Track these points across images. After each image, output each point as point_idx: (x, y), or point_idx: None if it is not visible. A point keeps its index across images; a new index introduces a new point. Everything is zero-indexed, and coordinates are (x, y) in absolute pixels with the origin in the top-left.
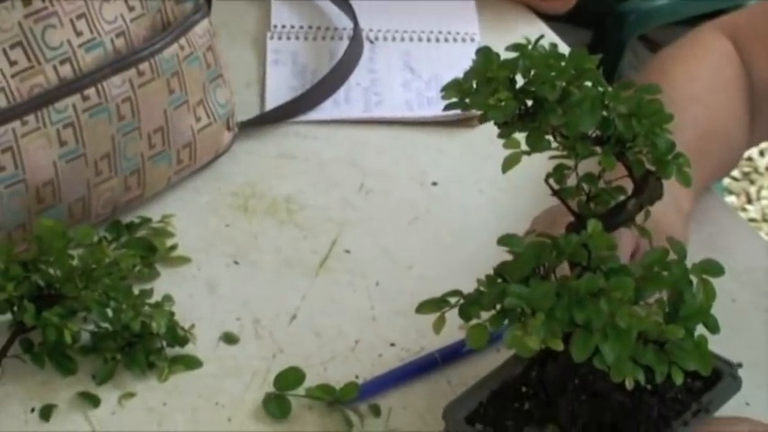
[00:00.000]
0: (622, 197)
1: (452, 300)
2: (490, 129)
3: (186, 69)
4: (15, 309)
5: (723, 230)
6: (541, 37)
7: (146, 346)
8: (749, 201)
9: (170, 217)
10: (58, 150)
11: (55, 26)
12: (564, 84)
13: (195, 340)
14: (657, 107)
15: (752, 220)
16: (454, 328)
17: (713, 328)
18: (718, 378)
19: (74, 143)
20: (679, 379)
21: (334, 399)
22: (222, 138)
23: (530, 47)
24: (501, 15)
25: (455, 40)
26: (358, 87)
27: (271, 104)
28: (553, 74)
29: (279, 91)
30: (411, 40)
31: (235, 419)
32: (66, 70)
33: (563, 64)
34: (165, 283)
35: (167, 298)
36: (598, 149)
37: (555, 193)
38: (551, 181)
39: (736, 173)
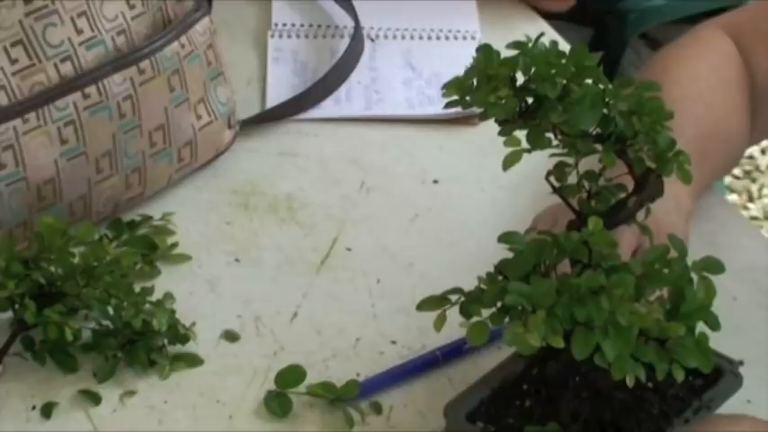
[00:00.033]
0: (623, 195)
1: (453, 297)
2: (491, 126)
3: (187, 67)
4: (16, 306)
5: (724, 228)
6: (542, 35)
7: (147, 343)
8: (750, 199)
9: (171, 215)
10: (59, 148)
11: (56, 24)
12: (564, 81)
13: (196, 338)
14: (658, 104)
15: (753, 218)
16: (455, 326)
17: (714, 325)
18: (720, 375)
19: (74, 141)
20: (680, 376)
21: (335, 397)
22: (223, 136)
23: (530, 45)
24: (501, 13)
25: (456, 38)
26: (359, 85)
27: (272, 102)
28: (554, 72)
29: (280, 89)
30: (412, 38)
31: (236, 417)
32: (66, 68)
33: (563, 62)
34: (166, 281)
35: (168, 296)
36: (599, 147)
37: (556, 190)
38: (552, 179)
39: (737, 171)
